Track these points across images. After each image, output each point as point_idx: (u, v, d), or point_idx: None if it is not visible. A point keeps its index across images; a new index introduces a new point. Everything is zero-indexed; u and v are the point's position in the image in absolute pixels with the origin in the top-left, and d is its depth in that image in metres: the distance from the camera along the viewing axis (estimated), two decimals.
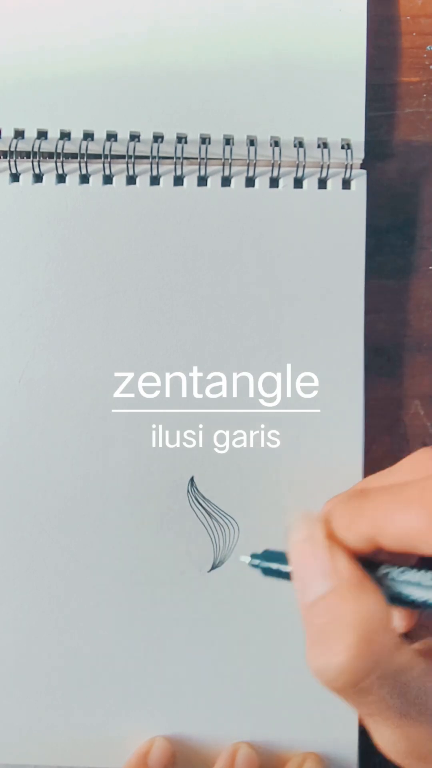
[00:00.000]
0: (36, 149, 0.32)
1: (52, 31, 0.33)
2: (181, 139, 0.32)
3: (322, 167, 0.32)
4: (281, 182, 0.32)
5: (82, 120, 0.32)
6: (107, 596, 0.32)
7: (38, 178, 0.32)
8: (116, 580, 0.32)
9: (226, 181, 0.32)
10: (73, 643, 0.32)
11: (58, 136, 0.32)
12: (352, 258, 0.32)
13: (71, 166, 0.32)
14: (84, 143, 0.32)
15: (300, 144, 0.32)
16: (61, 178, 0.32)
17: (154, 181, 0.32)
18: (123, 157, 0.32)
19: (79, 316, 0.32)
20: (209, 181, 0.32)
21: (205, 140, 0.32)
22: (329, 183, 0.32)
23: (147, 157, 0.32)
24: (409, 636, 0.25)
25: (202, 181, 0.32)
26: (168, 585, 0.32)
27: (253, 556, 0.25)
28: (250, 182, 0.32)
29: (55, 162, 0.32)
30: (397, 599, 0.22)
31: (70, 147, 0.32)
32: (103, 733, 0.32)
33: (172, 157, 0.32)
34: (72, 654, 0.32)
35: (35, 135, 0.32)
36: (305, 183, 0.32)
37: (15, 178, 0.32)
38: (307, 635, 0.22)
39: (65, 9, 0.33)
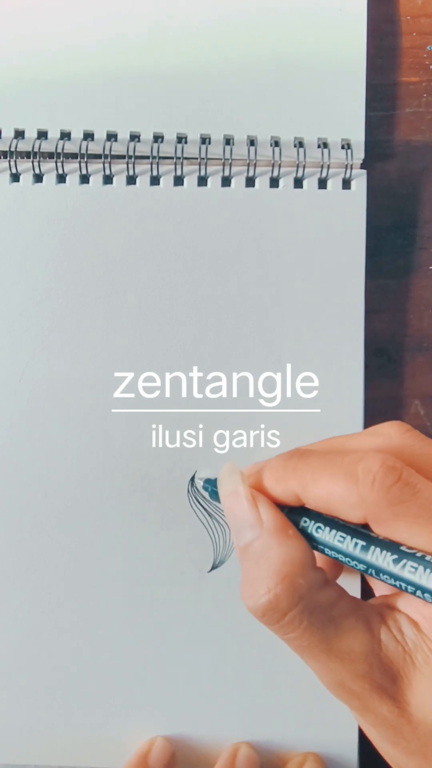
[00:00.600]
0: (36, 149, 0.32)
1: (52, 31, 0.33)
2: (181, 139, 0.32)
3: (322, 167, 0.32)
4: (281, 182, 0.32)
5: (83, 120, 0.32)
6: (107, 596, 0.32)
7: (38, 178, 0.32)
8: (116, 580, 0.32)
9: (226, 181, 0.32)
10: (73, 643, 0.32)
11: (59, 136, 0.32)
12: (353, 258, 0.32)
13: (71, 166, 0.32)
14: (84, 143, 0.32)
15: (300, 144, 0.32)
16: (61, 179, 0.32)
17: (155, 181, 0.32)
18: (123, 157, 0.32)
19: (79, 316, 0.32)
20: (209, 181, 0.32)
21: (205, 140, 0.32)
22: (329, 183, 0.32)
23: (147, 157, 0.32)
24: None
25: (203, 181, 0.32)
26: (168, 585, 0.32)
27: (206, 481, 0.28)
28: (250, 182, 0.32)
29: (56, 162, 0.32)
30: (313, 548, 0.24)
31: (70, 147, 0.32)
32: (103, 733, 0.32)
33: (172, 157, 0.32)
34: (72, 654, 0.32)
35: (35, 135, 0.32)
36: (305, 183, 0.32)
37: (15, 178, 0.32)
38: (241, 577, 0.24)
39: (65, 9, 0.33)
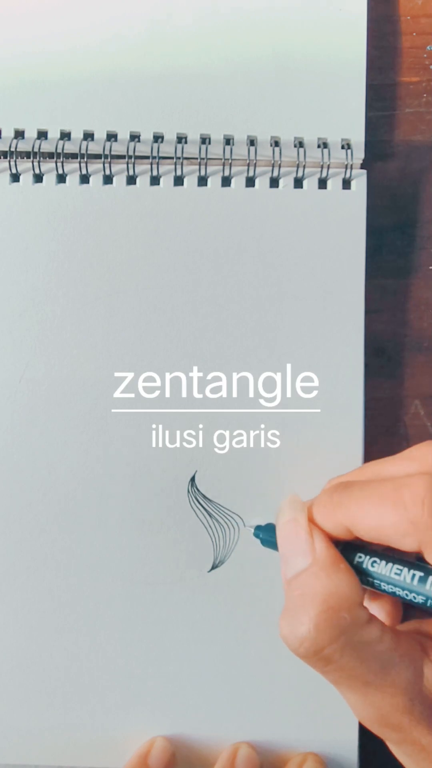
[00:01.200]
0: (36, 149, 0.32)
1: (52, 31, 0.33)
2: (181, 139, 0.32)
3: (322, 167, 0.32)
4: (281, 182, 0.32)
5: (82, 120, 0.32)
6: (107, 596, 0.32)
7: (38, 178, 0.32)
8: (116, 580, 0.32)
9: (226, 181, 0.32)
10: (73, 642, 0.32)
11: (59, 136, 0.32)
12: (353, 258, 0.32)
13: (71, 166, 0.32)
14: (84, 143, 0.32)
15: (300, 144, 0.32)
16: (61, 179, 0.32)
17: (155, 181, 0.32)
18: (123, 157, 0.32)
19: (80, 316, 0.32)
20: (209, 181, 0.32)
21: (205, 140, 0.32)
22: (329, 183, 0.32)
23: (147, 157, 0.32)
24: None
25: (203, 181, 0.32)
26: (168, 585, 0.32)
27: (257, 527, 0.28)
28: (250, 182, 0.32)
29: (56, 162, 0.32)
30: (368, 584, 0.24)
31: (70, 147, 0.32)
32: (103, 733, 0.32)
33: (172, 157, 0.32)
34: (72, 654, 0.32)
35: (35, 135, 0.32)
36: (305, 183, 0.32)
37: (15, 178, 0.32)
38: (284, 608, 0.24)
39: (65, 10, 0.33)
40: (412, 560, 0.23)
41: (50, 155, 0.32)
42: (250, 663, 0.32)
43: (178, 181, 0.32)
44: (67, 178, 0.32)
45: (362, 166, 0.33)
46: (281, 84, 0.32)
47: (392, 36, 0.34)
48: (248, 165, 0.32)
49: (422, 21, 0.34)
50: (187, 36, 0.32)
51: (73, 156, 0.32)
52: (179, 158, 0.32)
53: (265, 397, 0.32)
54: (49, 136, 0.32)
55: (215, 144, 0.32)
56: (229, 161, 0.32)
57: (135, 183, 0.32)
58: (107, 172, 0.32)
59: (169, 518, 0.32)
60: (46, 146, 0.32)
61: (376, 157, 0.34)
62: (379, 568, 0.24)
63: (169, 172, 0.32)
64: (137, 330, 0.32)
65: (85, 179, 0.32)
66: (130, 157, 0.32)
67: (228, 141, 0.32)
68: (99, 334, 0.32)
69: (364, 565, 0.24)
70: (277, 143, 0.32)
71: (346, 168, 0.32)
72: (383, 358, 0.34)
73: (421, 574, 0.23)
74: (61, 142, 0.32)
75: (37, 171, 0.32)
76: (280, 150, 0.32)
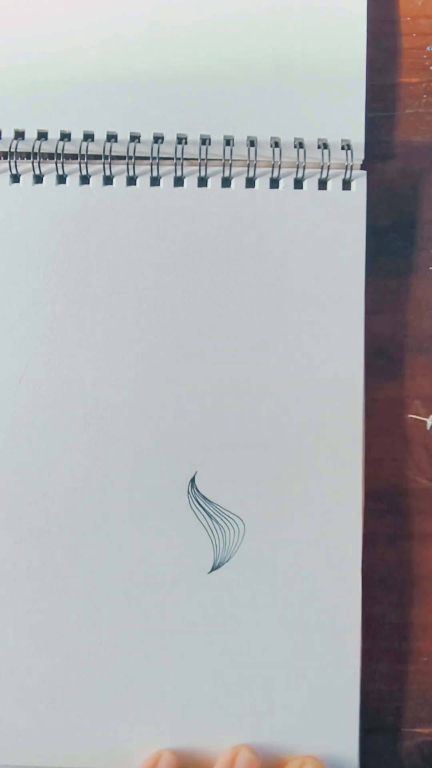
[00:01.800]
0: (36, 150, 0.32)
1: (52, 32, 0.33)
2: (182, 139, 0.33)
3: (322, 168, 0.32)
4: (281, 183, 0.32)
5: (83, 121, 0.32)
6: (107, 597, 0.32)
7: (38, 179, 0.32)
8: (116, 581, 0.32)
9: (226, 182, 0.32)
10: (73, 643, 0.32)
11: (59, 137, 0.32)
12: (353, 259, 0.32)
13: (71, 167, 0.32)
14: (84, 144, 0.32)
15: (300, 145, 0.32)
16: (61, 179, 0.32)
17: (155, 182, 0.32)
18: (123, 158, 0.32)
19: (80, 317, 0.32)
20: (209, 181, 0.32)
21: (205, 141, 0.32)
22: (329, 184, 0.32)
23: (147, 158, 0.32)
24: None
25: (203, 182, 0.32)
26: (168, 586, 0.32)
27: None
28: (250, 183, 0.32)
29: (56, 163, 0.32)
30: None
31: (70, 148, 0.32)
32: (103, 733, 0.32)
33: (172, 158, 0.32)
34: (72, 654, 0.32)
35: (35, 136, 0.32)
36: (305, 184, 0.32)
37: (15, 179, 0.32)
38: None
39: (65, 10, 0.33)
40: None
41: (50, 156, 0.32)
42: (250, 665, 0.32)
43: (179, 181, 0.32)
44: (68, 179, 0.32)
45: (362, 167, 0.33)
46: (281, 84, 0.32)
47: (392, 37, 0.34)
48: (248, 166, 0.32)
49: (422, 22, 0.34)
50: (187, 36, 0.33)
51: (74, 157, 0.32)
52: (179, 159, 0.32)
53: (266, 397, 0.32)
54: (49, 136, 0.32)
55: (215, 145, 0.32)
56: (229, 162, 0.32)
57: (135, 184, 0.32)
58: (107, 172, 0.32)
59: (169, 519, 0.32)
60: (46, 147, 0.32)
61: (376, 157, 0.34)
62: None
63: (170, 172, 0.32)
64: (137, 330, 0.32)
65: (85, 180, 0.32)
66: (130, 157, 0.32)
67: (228, 142, 0.32)
68: (99, 334, 0.32)
69: None
70: (277, 144, 0.32)
71: (346, 169, 0.32)
72: (383, 359, 0.34)
73: None
74: (61, 143, 0.32)
75: (37, 172, 0.32)
76: (280, 151, 0.32)
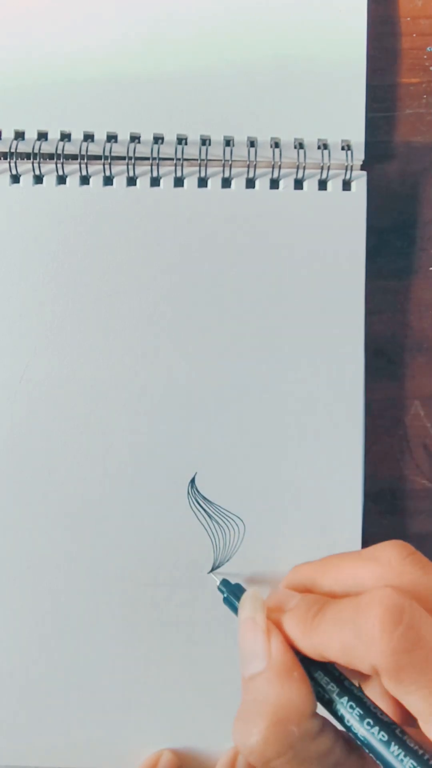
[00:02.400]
0: (36, 150, 0.32)
1: (52, 32, 0.33)
2: (182, 140, 0.33)
3: (322, 168, 0.32)
4: (281, 183, 0.32)
5: (83, 121, 0.32)
6: (107, 598, 0.32)
7: (39, 179, 0.32)
8: (116, 581, 0.32)
9: (226, 183, 0.32)
10: (73, 643, 0.32)
11: (59, 137, 0.32)
12: (353, 259, 0.32)
13: (72, 167, 0.32)
14: (84, 144, 0.32)
15: (300, 145, 0.32)
16: (61, 180, 0.32)
17: (155, 182, 0.32)
18: (123, 158, 0.32)
19: (80, 317, 0.32)
20: (210, 182, 0.32)
21: (205, 141, 0.32)
22: (329, 184, 0.32)
23: (147, 159, 0.32)
24: None
25: (203, 182, 0.32)
26: (168, 587, 0.32)
27: (223, 581, 0.29)
28: (250, 183, 0.32)
29: (56, 163, 0.32)
30: (322, 699, 0.24)
31: (70, 148, 0.32)
32: (102, 733, 0.32)
33: (172, 159, 0.32)
34: (72, 655, 0.32)
35: (35, 136, 0.32)
36: (305, 184, 0.32)
37: (15, 179, 0.32)
38: (239, 708, 0.23)
39: (65, 11, 0.33)
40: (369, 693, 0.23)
41: (50, 156, 0.32)
42: None
43: (179, 182, 0.32)
44: (68, 180, 0.32)
45: (362, 168, 0.33)
46: (281, 85, 0.32)
47: (392, 37, 0.34)
48: (248, 166, 0.32)
49: (422, 22, 0.34)
50: (187, 37, 0.33)
51: (74, 157, 0.32)
52: (179, 159, 0.32)
53: (266, 397, 0.32)
54: (49, 137, 0.32)
55: (215, 145, 0.32)
56: (230, 162, 0.32)
57: (135, 184, 0.32)
58: (107, 173, 0.32)
59: (168, 520, 0.32)
60: (47, 147, 0.32)
61: (376, 158, 0.34)
62: (341, 706, 0.23)
63: (170, 173, 0.32)
64: (137, 330, 0.32)
65: (85, 180, 0.32)
66: (130, 158, 0.32)
67: (228, 142, 0.32)
68: (99, 334, 0.32)
69: (330, 696, 0.23)
70: (277, 144, 0.32)
71: (346, 169, 0.32)
72: (383, 359, 0.34)
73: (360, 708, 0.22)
74: (61, 143, 0.32)
75: (37, 172, 0.32)
76: (281, 151, 0.32)
